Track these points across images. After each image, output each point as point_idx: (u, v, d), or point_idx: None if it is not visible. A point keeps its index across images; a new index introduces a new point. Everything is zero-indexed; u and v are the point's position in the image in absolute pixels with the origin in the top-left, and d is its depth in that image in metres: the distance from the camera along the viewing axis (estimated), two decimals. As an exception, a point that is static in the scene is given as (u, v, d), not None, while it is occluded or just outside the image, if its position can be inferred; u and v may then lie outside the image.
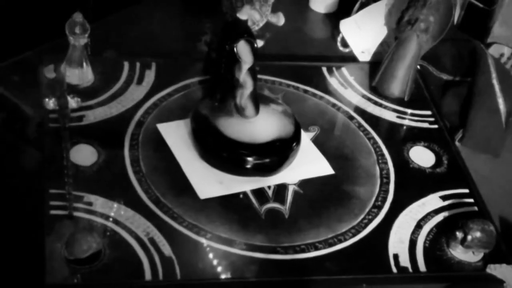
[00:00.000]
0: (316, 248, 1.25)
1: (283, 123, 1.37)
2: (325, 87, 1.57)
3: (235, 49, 1.32)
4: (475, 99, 1.55)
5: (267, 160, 1.33)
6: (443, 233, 1.31)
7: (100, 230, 1.20)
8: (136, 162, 1.33)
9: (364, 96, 1.57)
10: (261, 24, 1.52)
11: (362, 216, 1.32)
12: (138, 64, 1.51)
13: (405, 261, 1.26)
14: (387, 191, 1.37)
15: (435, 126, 1.54)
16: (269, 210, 1.30)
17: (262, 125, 1.36)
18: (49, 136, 1.32)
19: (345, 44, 1.69)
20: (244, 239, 1.24)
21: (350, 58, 1.67)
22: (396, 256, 1.26)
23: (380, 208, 1.34)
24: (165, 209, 1.26)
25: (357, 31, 1.66)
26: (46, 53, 1.48)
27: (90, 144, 1.33)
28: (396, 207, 1.35)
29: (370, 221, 1.31)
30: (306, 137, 1.43)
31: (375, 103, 1.56)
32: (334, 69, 1.62)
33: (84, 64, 1.43)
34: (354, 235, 1.29)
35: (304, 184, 1.35)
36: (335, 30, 1.71)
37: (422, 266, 1.26)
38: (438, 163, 1.45)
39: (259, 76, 1.40)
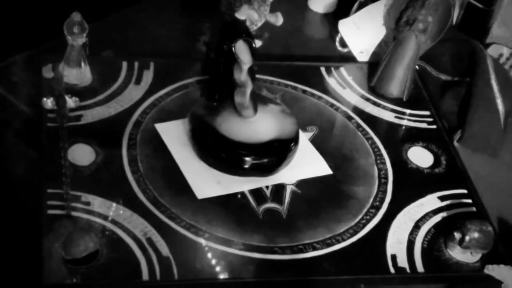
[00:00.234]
0: (314, 249, 1.25)
1: (281, 123, 1.37)
2: (323, 87, 1.57)
3: (233, 49, 1.32)
4: (474, 100, 1.55)
5: (265, 160, 1.33)
6: (441, 233, 1.31)
7: (97, 230, 1.19)
8: (134, 162, 1.32)
9: (362, 96, 1.57)
10: (259, 24, 1.52)
11: (360, 217, 1.32)
12: (136, 64, 1.51)
13: (403, 262, 1.26)
14: (385, 192, 1.37)
15: (434, 126, 1.53)
16: (267, 210, 1.30)
17: (261, 125, 1.35)
18: (47, 135, 1.32)
19: (343, 44, 1.68)
20: (242, 239, 1.24)
21: (349, 58, 1.67)
22: (394, 257, 1.26)
23: (378, 208, 1.34)
24: (163, 209, 1.26)
25: (356, 31, 1.66)
26: (45, 53, 1.48)
27: (88, 144, 1.33)
28: (394, 207, 1.34)
29: (368, 221, 1.31)
30: (304, 137, 1.43)
31: (374, 103, 1.56)
32: (332, 69, 1.61)
33: (82, 64, 1.43)
34: (352, 235, 1.28)
35: (302, 184, 1.35)
36: (334, 30, 1.71)
37: (420, 267, 1.26)
38: (436, 163, 1.45)
39: (257, 76, 1.40)
